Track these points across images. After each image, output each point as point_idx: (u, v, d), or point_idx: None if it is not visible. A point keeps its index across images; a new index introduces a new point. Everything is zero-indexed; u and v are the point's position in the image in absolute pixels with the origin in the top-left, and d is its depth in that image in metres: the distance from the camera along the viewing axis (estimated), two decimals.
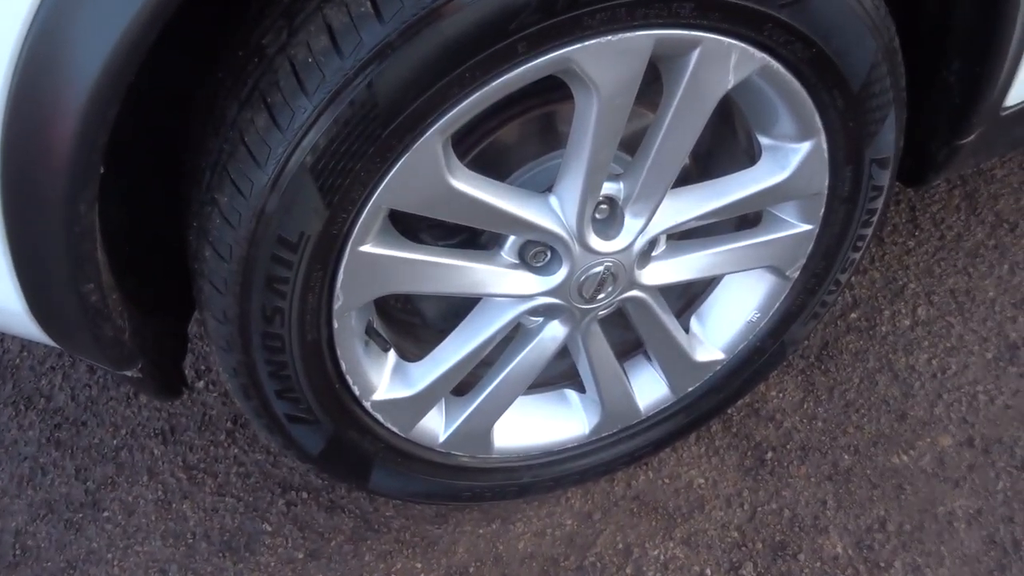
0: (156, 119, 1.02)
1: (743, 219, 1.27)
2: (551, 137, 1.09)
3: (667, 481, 1.46)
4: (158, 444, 1.55)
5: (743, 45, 0.95)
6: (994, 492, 1.40)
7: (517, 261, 1.10)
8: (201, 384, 1.62)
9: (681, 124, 1.00)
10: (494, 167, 1.06)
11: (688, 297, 1.37)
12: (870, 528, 1.39)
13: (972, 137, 1.20)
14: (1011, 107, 1.18)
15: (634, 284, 1.17)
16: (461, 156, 1.01)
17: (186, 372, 1.63)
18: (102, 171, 0.82)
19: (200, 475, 1.50)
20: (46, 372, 1.66)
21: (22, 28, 0.75)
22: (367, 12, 0.82)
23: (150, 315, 1.06)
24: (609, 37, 0.88)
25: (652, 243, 1.15)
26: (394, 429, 1.20)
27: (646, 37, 0.90)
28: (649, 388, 1.36)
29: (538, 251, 1.09)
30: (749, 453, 1.48)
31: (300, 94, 0.84)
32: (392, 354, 1.16)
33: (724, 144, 1.23)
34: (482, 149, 1.06)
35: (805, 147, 1.10)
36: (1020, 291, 1.63)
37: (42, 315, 0.94)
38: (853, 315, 1.62)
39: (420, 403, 1.18)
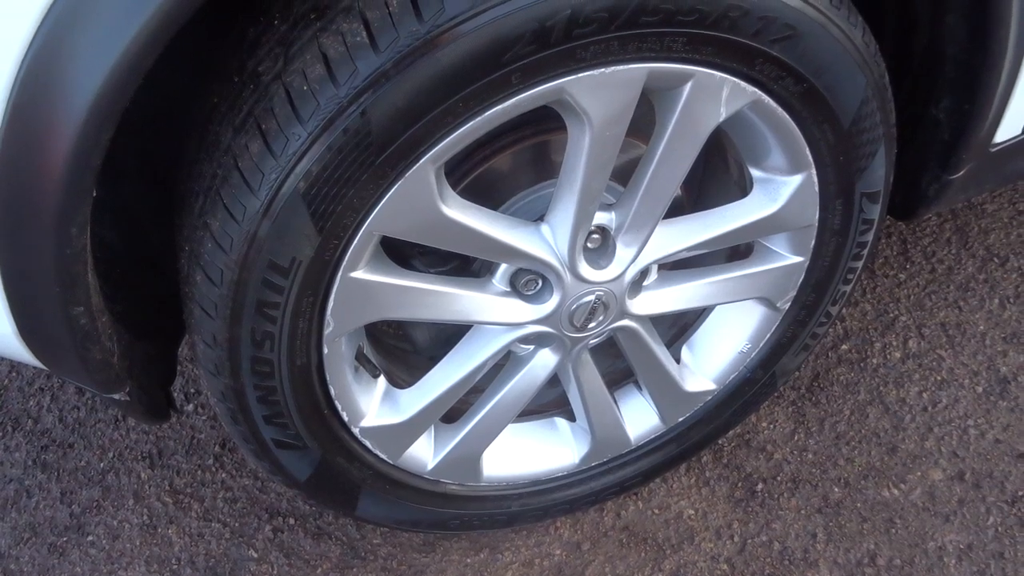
0: (150, 143, 1.03)
1: (734, 250, 1.28)
2: (544, 166, 1.10)
3: (657, 512, 1.45)
4: (145, 467, 1.53)
5: (735, 79, 0.96)
6: (985, 527, 1.40)
7: (508, 289, 1.10)
8: (190, 407, 1.61)
9: (673, 155, 1.01)
10: (487, 195, 1.07)
11: (679, 327, 1.37)
12: (860, 562, 1.38)
13: (962, 172, 1.21)
14: (1000, 143, 1.19)
15: (625, 313, 1.17)
16: (454, 184, 1.02)
17: (175, 395, 1.62)
18: (95, 194, 0.82)
19: (186, 500, 1.49)
20: (34, 393, 1.65)
21: (19, 51, 0.75)
22: (363, 41, 0.82)
23: (139, 338, 1.06)
24: (602, 69, 0.89)
25: (643, 273, 1.15)
26: (382, 456, 1.19)
27: (639, 70, 0.91)
28: (639, 417, 1.36)
29: (529, 279, 1.09)
30: (739, 484, 1.47)
31: (295, 121, 0.85)
32: (382, 380, 1.16)
33: (716, 176, 1.23)
34: (475, 177, 1.07)
35: (796, 180, 1.10)
36: (1010, 325, 1.64)
37: (31, 337, 0.93)
38: (844, 347, 1.63)
39: (409, 430, 1.18)
